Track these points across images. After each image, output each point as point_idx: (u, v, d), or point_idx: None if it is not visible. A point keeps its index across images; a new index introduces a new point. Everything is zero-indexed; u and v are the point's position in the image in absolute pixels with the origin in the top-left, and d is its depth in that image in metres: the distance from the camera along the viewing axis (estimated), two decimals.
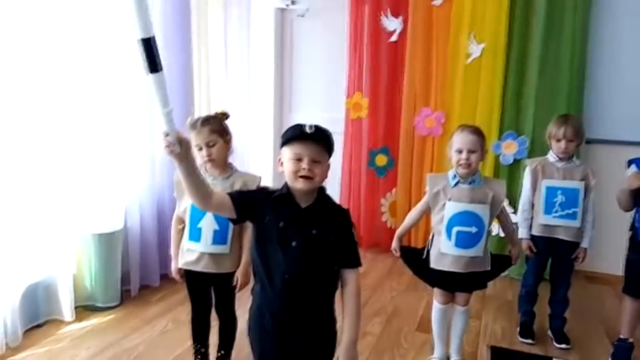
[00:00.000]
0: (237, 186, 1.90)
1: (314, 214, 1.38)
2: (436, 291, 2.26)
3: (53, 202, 2.55)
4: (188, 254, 1.97)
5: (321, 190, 1.42)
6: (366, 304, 3.00)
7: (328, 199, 1.44)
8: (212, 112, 2.06)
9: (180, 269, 2.02)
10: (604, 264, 3.45)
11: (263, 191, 1.47)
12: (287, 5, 4.33)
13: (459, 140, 2.08)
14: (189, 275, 2.03)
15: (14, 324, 2.33)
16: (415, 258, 2.25)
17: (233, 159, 2.08)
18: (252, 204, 1.40)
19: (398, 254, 2.24)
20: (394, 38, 3.80)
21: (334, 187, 4.18)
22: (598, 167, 3.35)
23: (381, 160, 3.93)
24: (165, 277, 3.02)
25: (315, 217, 1.38)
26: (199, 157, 1.90)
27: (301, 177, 1.33)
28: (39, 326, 2.55)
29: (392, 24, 3.80)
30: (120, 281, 2.87)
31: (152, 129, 2.96)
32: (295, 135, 1.34)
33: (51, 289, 2.59)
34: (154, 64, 1.10)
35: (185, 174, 1.26)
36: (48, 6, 2.43)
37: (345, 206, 3.91)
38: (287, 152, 1.36)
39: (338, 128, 4.08)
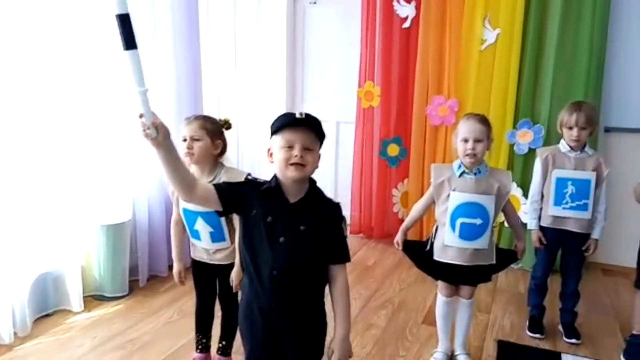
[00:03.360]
0: None
1: (303, 209, 1.34)
2: (440, 284, 2.21)
3: (62, 194, 2.58)
4: (194, 247, 2.03)
5: (312, 184, 1.39)
6: (374, 296, 2.98)
7: (319, 192, 1.40)
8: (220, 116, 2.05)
9: (180, 272, 2.05)
10: (622, 256, 3.32)
11: (251, 183, 1.44)
12: None
13: (465, 129, 2.02)
14: (196, 265, 2.06)
15: (22, 313, 2.38)
16: (418, 251, 2.20)
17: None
18: (238, 197, 1.37)
19: (400, 247, 2.20)
20: (406, 24, 3.71)
21: (345, 177, 4.15)
22: (617, 155, 3.26)
23: (393, 149, 3.86)
24: None
25: (304, 213, 1.34)
26: (180, 150, 1.89)
27: (292, 164, 1.29)
28: (48, 316, 2.60)
29: (404, 9, 3.71)
30: (128, 271, 2.90)
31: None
32: (286, 122, 1.30)
33: (60, 279, 2.63)
34: (130, 41, 1.08)
35: (164, 162, 1.22)
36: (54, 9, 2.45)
37: (357, 196, 3.96)
38: (278, 140, 1.32)
39: (350, 117, 4.04)
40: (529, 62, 3.32)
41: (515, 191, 3.37)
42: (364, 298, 2.93)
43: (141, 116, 1.15)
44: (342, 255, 1.39)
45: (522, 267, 3.34)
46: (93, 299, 2.79)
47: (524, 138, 3.36)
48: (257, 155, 4.02)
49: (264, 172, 3.68)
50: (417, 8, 3.66)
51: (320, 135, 1.35)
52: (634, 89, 3.30)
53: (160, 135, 1.17)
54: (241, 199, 1.37)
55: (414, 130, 3.76)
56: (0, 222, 2.28)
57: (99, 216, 2.78)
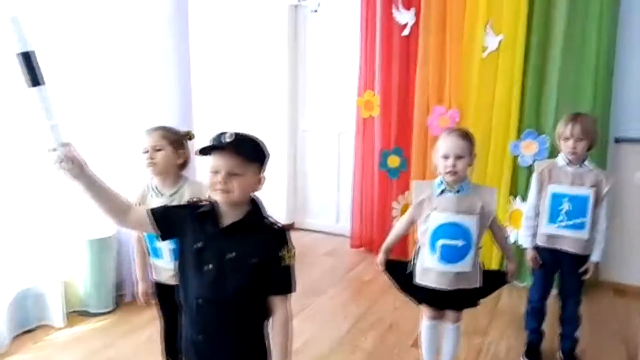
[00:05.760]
0: (185, 199, 1.78)
1: (234, 235, 1.24)
2: (424, 307, 2.08)
3: (46, 209, 2.56)
4: (155, 268, 1.94)
5: (253, 205, 1.28)
6: (365, 315, 2.85)
7: (259, 215, 1.29)
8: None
9: (146, 292, 1.97)
10: (635, 275, 3.12)
11: (190, 206, 1.34)
12: (299, 1, 4.21)
13: (446, 146, 1.91)
14: (158, 288, 1.97)
15: (0, 329, 2.35)
16: (400, 272, 2.08)
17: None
18: (174, 220, 1.29)
19: (382, 268, 2.08)
20: (406, 32, 3.60)
21: (348, 189, 4.04)
22: (629, 167, 3.07)
23: (393, 161, 3.74)
24: None
25: (236, 238, 1.24)
26: (143, 161, 1.83)
27: (217, 190, 1.22)
28: (30, 331, 2.56)
29: (404, 16, 3.60)
30: (114, 287, 2.86)
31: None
32: (212, 145, 1.21)
33: (42, 294, 2.60)
34: (34, 78, 1.08)
35: (87, 192, 1.19)
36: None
37: (357, 209, 3.84)
38: (208, 164, 1.24)
39: (350, 127, 3.94)
40: (533, 69, 3.16)
41: (520, 206, 3.20)
42: (354, 317, 2.81)
43: (54, 150, 1.12)
44: (281, 286, 1.27)
45: (527, 286, 3.15)
46: (78, 314, 2.75)
47: (529, 149, 3.19)
48: None
49: None
50: (417, 14, 3.54)
51: (254, 157, 1.24)
52: None
53: (75, 167, 1.14)
54: (177, 223, 1.29)
55: (414, 141, 3.63)
56: None
57: (84, 231, 2.75)
